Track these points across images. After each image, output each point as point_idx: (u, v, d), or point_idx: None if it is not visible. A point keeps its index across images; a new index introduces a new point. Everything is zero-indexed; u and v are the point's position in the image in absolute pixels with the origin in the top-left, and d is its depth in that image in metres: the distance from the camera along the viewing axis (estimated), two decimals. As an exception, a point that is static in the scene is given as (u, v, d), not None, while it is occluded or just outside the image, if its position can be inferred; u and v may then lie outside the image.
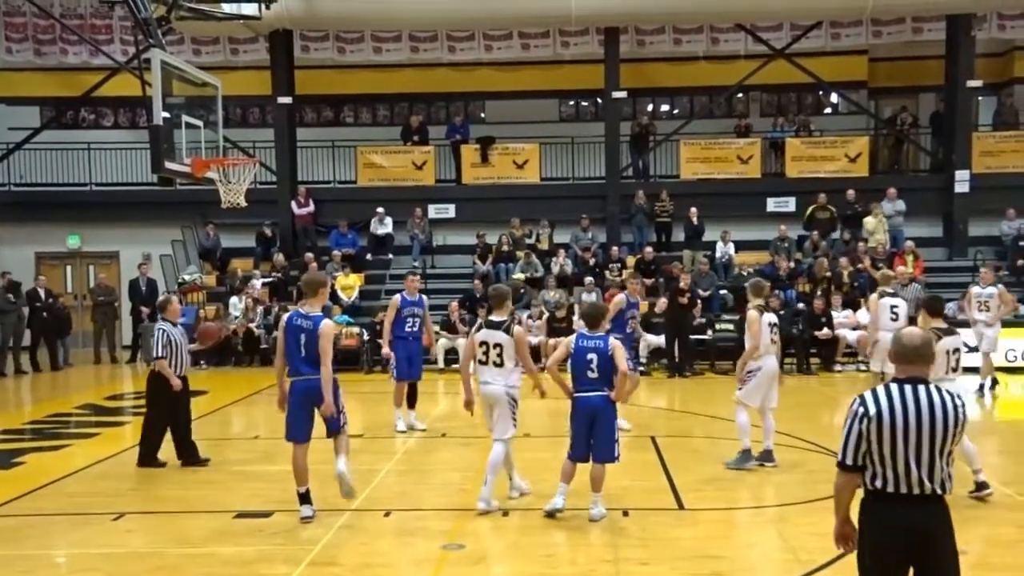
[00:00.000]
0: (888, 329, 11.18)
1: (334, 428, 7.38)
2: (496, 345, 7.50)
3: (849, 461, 4.06)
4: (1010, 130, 21.65)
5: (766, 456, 9.12)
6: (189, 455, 9.49)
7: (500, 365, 7.50)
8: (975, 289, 14.46)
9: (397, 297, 11.03)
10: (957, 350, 8.00)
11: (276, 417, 12.37)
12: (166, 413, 9.46)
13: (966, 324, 14.81)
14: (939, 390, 4.03)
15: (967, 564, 6.33)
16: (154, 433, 9.50)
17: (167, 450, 9.52)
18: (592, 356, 7.20)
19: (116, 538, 7.18)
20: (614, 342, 7.33)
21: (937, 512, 3.99)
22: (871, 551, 4.03)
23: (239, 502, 8.04)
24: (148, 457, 9.46)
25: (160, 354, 9.26)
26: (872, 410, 4.00)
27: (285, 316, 7.56)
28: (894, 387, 4.05)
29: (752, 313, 9.03)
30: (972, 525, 7.36)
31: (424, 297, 11.25)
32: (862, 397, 4.08)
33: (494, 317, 7.67)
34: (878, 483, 4.00)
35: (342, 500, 7.55)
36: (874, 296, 12.38)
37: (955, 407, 3.99)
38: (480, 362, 7.60)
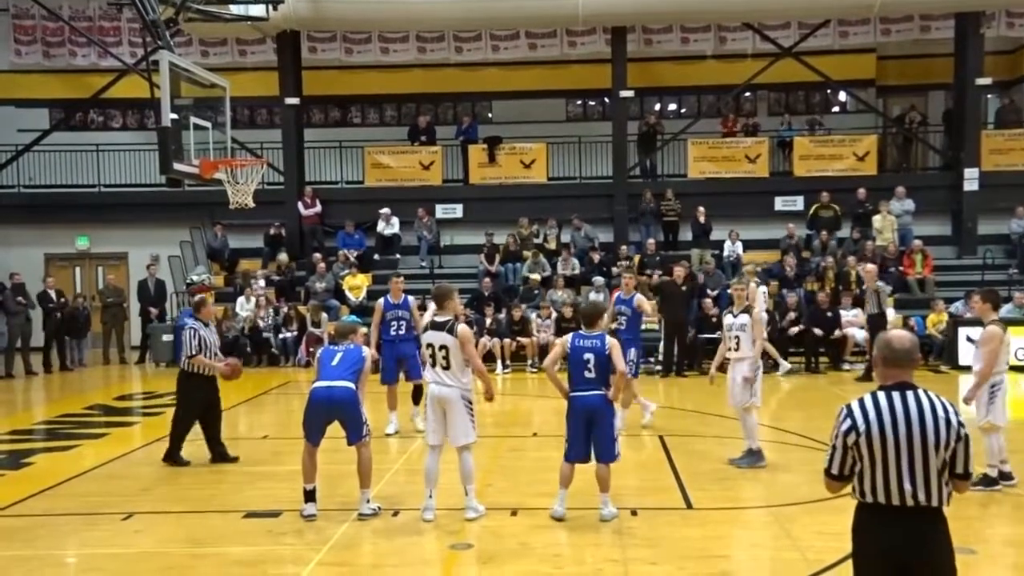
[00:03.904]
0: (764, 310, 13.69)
1: (355, 438, 7.41)
2: (441, 347, 7.19)
3: (835, 472, 3.90)
4: (1016, 128, 21.53)
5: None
6: (219, 453, 9.58)
7: (447, 368, 7.22)
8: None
9: (381, 301, 10.96)
10: None
11: (284, 417, 12.43)
12: (195, 412, 9.55)
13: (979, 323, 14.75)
14: (928, 395, 3.82)
15: (978, 564, 6.36)
16: (180, 431, 9.57)
17: (189, 449, 9.57)
18: (589, 356, 7.14)
19: (125, 538, 7.20)
20: (611, 341, 7.27)
21: (932, 525, 3.77)
22: (864, 564, 3.87)
23: (248, 502, 8.05)
24: (173, 454, 9.52)
25: (193, 352, 9.32)
26: (861, 425, 3.79)
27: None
28: (882, 396, 3.83)
29: (764, 315, 9.12)
30: (983, 525, 7.35)
31: (410, 298, 11.17)
32: (849, 408, 3.86)
33: (438, 318, 7.33)
34: (868, 495, 3.82)
35: (351, 500, 7.56)
36: (752, 284, 13.93)
37: (945, 412, 3.77)
38: (429, 364, 7.36)
